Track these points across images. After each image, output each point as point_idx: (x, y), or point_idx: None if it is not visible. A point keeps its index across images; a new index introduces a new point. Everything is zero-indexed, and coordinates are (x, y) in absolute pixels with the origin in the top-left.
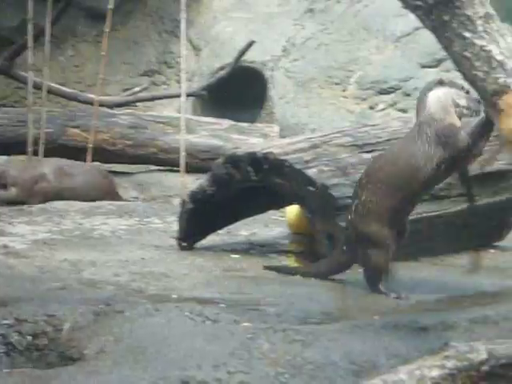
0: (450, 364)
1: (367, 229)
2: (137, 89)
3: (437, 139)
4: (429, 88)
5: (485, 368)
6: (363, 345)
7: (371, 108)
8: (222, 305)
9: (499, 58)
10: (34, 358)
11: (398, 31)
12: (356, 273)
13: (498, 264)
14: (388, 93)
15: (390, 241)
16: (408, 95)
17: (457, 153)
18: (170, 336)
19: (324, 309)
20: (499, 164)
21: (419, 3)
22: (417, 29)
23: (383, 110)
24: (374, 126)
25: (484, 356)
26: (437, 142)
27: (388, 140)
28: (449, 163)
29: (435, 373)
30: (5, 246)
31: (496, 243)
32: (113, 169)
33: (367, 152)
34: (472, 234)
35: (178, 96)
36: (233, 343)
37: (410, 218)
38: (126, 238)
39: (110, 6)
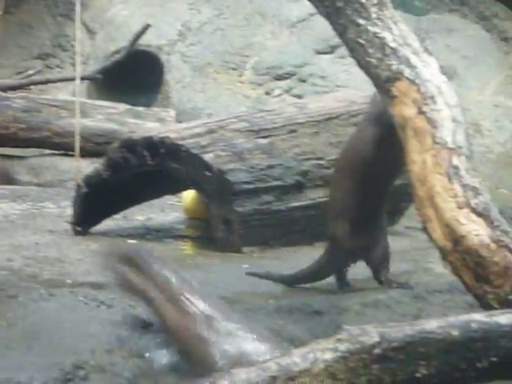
0: (343, 347)
1: (330, 226)
2: (30, 72)
3: (371, 116)
4: None
5: (377, 351)
6: None
7: (267, 93)
8: (117, 290)
9: (392, 44)
10: None
11: (293, 17)
12: (253, 258)
13: (391, 249)
14: (284, 78)
15: (348, 241)
16: (303, 81)
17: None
18: (64, 321)
19: (220, 293)
20: None
21: None
22: (312, 15)
23: (279, 95)
24: (269, 111)
25: (376, 339)
26: (372, 120)
27: (283, 126)
28: (388, 142)
29: (328, 356)
30: None
31: (388, 228)
32: (6, 153)
33: (263, 137)
34: None
35: (73, 79)
36: (126, 328)
37: (302, 203)
38: (19, 223)
39: None
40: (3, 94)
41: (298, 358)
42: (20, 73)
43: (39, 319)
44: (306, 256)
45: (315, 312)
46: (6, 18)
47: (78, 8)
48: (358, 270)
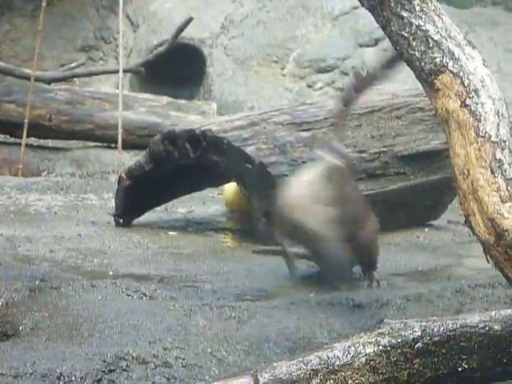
0: (384, 341)
1: None
2: (73, 64)
3: None
4: None
5: (418, 345)
6: (299, 321)
7: (309, 86)
8: (159, 282)
9: (436, 37)
10: None
11: (337, 10)
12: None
13: (432, 243)
14: (326, 71)
15: None
16: (346, 74)
17: None
18: (106, 312)
19: (260, 286)
20: (435, 143)
21: None
22: (355, 8)
23: (321, 88)
24: (312, 104)
25: (418, 333)
26: None
27: (325, 119)
28: None
29: (369, 349)
30: None
31: (431, 222)
32: (49, 145)
33: (305, 130)
34: (408, 212)
35: (116, 72)
36: (169, 320)
37: None
38: (61, 215)
39: None
40: (47, 86)
41: (339, 352)
42: (63, 65)
43: (81, 310)
44: None
45: (356, 305)
46: (49, 10)
47: (121, 1)
48: (400, 265)
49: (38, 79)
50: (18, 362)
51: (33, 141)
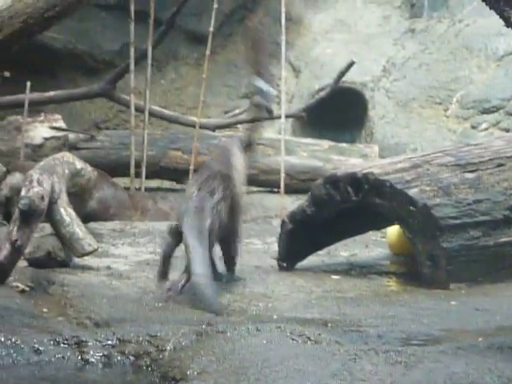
0: None
1: None
2: (237, 111)
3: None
4: None
5: None
6: (467, 367)
7: (473, 127)
8: (323, 326)
9: None
10: (136, 379)
11: (501, 50)
12: (460, 295)
13: None
14: (491, 112)
15: None
16: (511, 115)
17: None
18: (272, 356)
19: (427, 330)
20: None
21: None
22: None
23: (486, 129)
24: (476, 145)
25: None
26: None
27: (491, 160)
28: None
29: None
30: (108, 268)
31: None
32: None
33: (470, 172)
34: None
35: (279, 118)
36: (335, 364)
37: (511, 238)
38: None
39: (211, 28)
40: (211, 132)
41: None
42: (227, 112)
43: (247, 354)
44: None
45: None
46: (212, 58)
47: (283, 47)
48: None
49: (202, 126)
50: None
51: None
